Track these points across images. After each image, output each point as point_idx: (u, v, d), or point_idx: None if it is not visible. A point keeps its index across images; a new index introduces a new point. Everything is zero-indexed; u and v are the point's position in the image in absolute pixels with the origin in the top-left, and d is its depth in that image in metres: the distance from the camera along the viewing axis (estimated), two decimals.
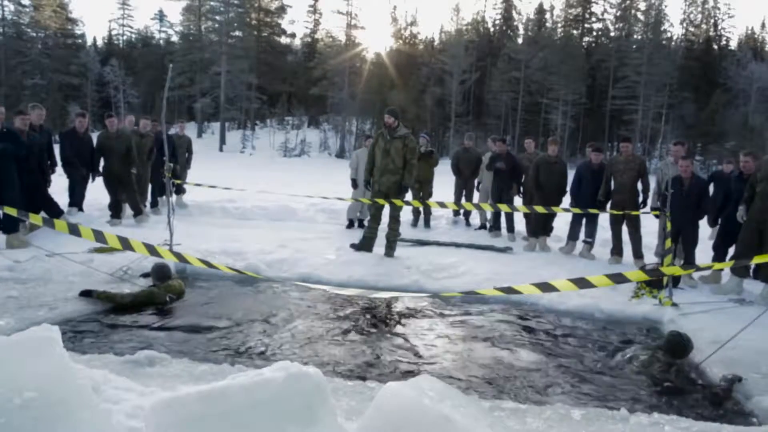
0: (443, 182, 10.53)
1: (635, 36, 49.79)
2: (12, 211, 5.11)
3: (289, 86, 54.22)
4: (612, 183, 7.73)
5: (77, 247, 6.09)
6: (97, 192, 8.81)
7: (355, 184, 9.33)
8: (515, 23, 57.10)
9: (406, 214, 10.20)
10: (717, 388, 3.77)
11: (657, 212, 7.17)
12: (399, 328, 4.91)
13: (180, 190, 10.19)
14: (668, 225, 5.88)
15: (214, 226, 8.83)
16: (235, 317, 4.90)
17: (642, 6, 50.17)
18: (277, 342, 4.37)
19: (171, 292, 5.21)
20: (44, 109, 8.06)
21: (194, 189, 9.55)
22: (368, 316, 5.29)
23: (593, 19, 54.25)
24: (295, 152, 44.32)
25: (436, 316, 5.31)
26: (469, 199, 10.19)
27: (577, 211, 7.49)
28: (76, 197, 8.45)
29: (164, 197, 8.80)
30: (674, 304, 5.46)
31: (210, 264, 4.60)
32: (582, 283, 3.75)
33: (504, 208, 7.98)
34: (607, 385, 3.90)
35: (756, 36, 58.16)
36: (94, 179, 8.56)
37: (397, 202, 7.06)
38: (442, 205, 7.77)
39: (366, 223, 8.25)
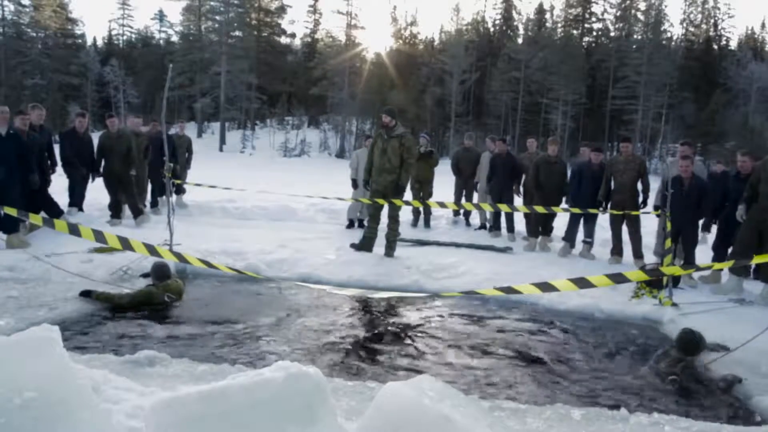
0: (443, 182, 10.53)
1: (635, 36, 49.81)
2: (12, 211, 5.11)
3: (289, 86, 54.23)
4: (612, 183, 7.73)
5: (77, 247, 6.09)
6: (97, 192, 8.81)
7: (355, 184, 9.33)
8: (515, 23, 57.16)
9: (406, 214, 10.21)
10: (717, 389, 3.77)
11: (657, 212, 7.16)
12: (399, 329, 4.91)
13: (180, 190, 10.19)
14: (668, 225, 5.88)
15: (214, 226, 8.83)
16: (235, 317, 4.90)
17: (642, 6, 50.24)
18: (277, 342, 4.37)
19: (169, 292, 5.20)
20: (44, 109, 8.07)
21: (194, 189, 9.55)
22: (368, 316, 5.29)
23: (593, 19, 54.29)
24: (295, 152, 44.33)
25: (436, 316, 5.31)
26: (469, 199, 10.19)
27: (577, 211, 7.49)
28: (76, 197, 8.44)
29: (164, 197, 8.80)
30: (674, 304, 5.46)
31: (210, 264, 4.61)
32: (582, 283, 3.75)
33: (504, 208, 7.98)
34: (607, 385, 3.90)
35: (756, 36, 58.21)
36: (94, 179, 8.56)
37: (397, 202, 7.06)
38: (442, 205, 7.77)
39: (366, 223, 8.25)
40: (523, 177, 8.99)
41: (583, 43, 52.80)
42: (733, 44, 55.28)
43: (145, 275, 5.70)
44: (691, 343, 4.20)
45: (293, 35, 61.60)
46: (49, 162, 7.64)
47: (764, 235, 5.96)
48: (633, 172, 7.54)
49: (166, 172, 6.78)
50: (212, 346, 4.21)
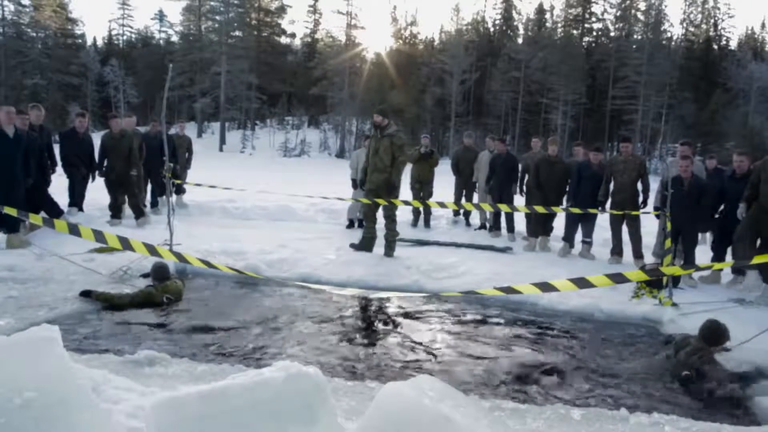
0: (443, 182, 10.53)
1: (635, 36, 49.83)
2: (12, 211, 5.11)
3: (289, 86, 54.24)
4: (612, 183, 7.73)
5: (77, 247, 6.09)
6: (97, 192, 8.81)
7: (355, 184, 9.33)
8: (515, 23, 57.19)
9: (406, 214, 10.22)
10: (723, 389, 3.77)
11: (657, 212, 7.16)
12: (399, 328, 4.91)
13: (180, 190, 10.19)
14: (668, 225, 5.88)
15: (214, 226, 8.83)
16: (235, 317, 4.90)
17: (642, 6, 50.27)
18: (277, 342, 4.37)
19: (168, 292, 5.21)
20: (43, 109, 8.05)
21: (194, 189, 9.55)
22: (368, 316, 5.29)
23: (593, 19, 54.31)
24: (295, 152, 44.35)
25: (436, 316, 5.31)
26: (469, 199, 10.19)
27: (578, 211, 7.50)
28: (76, 197, 8.44)
29: (164, 197, 8.79)
30: (674, 304, 5.46)
31: (210, 264, 4.61)
32: (582, 283, 3.75)
33: (504, 208, 7.98)
34: (608, 385, 3.90)
35: (756, 36, 58.21)
36: (94, 179, 8.55)
37: (396, 202, 7.05)
38: (442, 205, 7.77)
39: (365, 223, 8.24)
40: (527, 177, 8.96)
41: (583, 43, 52.83)
42: (733, 44, 55.39)
43: (145, 275, 5.70)
44: (715, 333, 4.15)
45: (293, 35, 61.71)
46: (49, 162, 7.64)
47: (763, 234, 5.97)
48: (633, 172, 7.54)
49: (166, 172, 6.78)
50: (212, 346, 4.21)
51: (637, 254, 7.54)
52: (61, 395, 1.78)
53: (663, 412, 3.24)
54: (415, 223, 9.93)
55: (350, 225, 9.57)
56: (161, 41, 63.07)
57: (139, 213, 8.46)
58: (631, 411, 3.18)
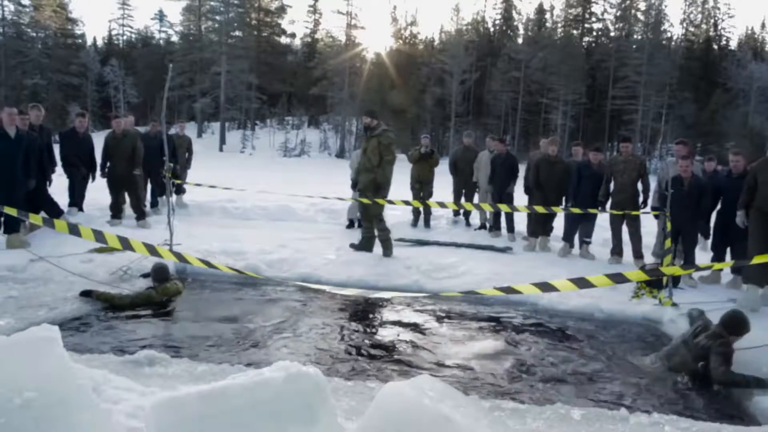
0: (443, 182, 10.53)
1: (635, 36, 49.83)
2: (12, 211, 5.11)
3: (289, 86, 54.24)
4: (612, 183, 7.72)
5: (77, 247, 6.09)
6: (97, 192, 8.80)
7: (354, 184, 9.32)
8: (515, 23, 57.18)
9: (406, 214, 10.22)
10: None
11: (657, 212, 7.16)
12: (399, 329, 4.91)
13: (180, 190, 10.18)
14: (668, 225, 5.87)
15: (214, 226, 8.83)
16: (235, 317, 4.90)
17: (642, 6, 50.26)
18: (277, 342, 4.37)
19: (168, 294, 5.22)
20: (43, 109, 8.04)
21: (194, 189, 9.54)
22: (368, 316, 5.29)
23: (593, 19, 54.30)
24: (295, 152, 44.35)
25: (436, 316, 5.31)
26: (468, 198, 10.18)
27: (578, 211, 7.49)
28: (76, 197, 8.43)
29: (164, 197, 8.79)
30: (674, 304, 5.46)
31: (210, 264, 4.60)
32: (582, 283, 3.75)
33: (504, 208, 7.97)
34: (607, 385, 3.90)
35: (756, 36, 58.19)
36: (94, 179, 8.55)
37: (397, 202, 7.05)
38: (442, 205, 7.76)
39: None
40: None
41: (583, 43, 52.82)
42: (733, 44, 55.36)
43: (145, 275, 5.70)
44: (738, 322, 4.10)
45: (293, 35, 61.72)
46: (49, 162, 7.63)
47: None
48: (633, 172, 7.54)
49: (166, 172, 6.78)
50: (212, 346, 4.21)
51: (637, 254, 7.54)
52: (61, 395, 1.78)
53: (663, 412, 3.25)
54: (415, 223, 9.93)
55: (350, 225, 9.57)
56: (161, 41, 63.11)
57: (140, 214, 8.46)
58: (631, 411, 3.18)
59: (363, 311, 5.43)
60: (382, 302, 5.62)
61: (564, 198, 8.30)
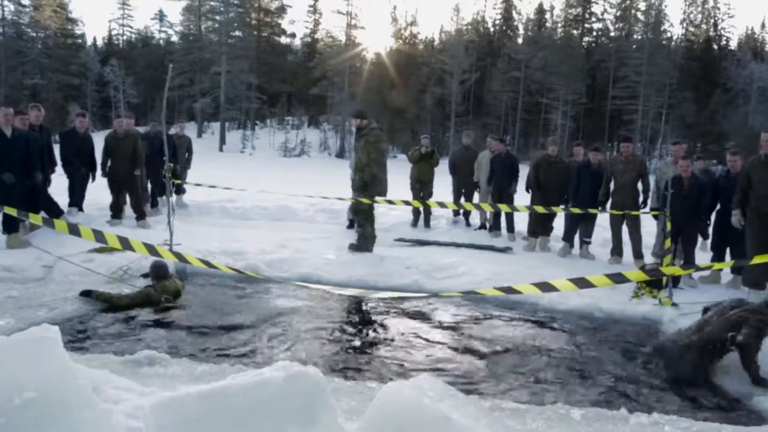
0: (443, 182, 10.53)
1: (635, 36, 49.78)
2: (12, 211, 5.11)
3: (289, 86, 54.22)
4: (612, 183, 7.72)
5: (77, 247, 6.09)
6: (97, 192, 8.80)
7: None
8: (515, 23, 57.13)
9: (406, 214, 10.22)
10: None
11: (656, 212, 7.16)
12: (399, 328, 4.91)
13: (180, 190, 10.18)
14: (668, 225, 5.87)
15: (214, 226, 8.83)
16: (235, 317, 4.90)
17: (642, 6, 50.21)
18: (277, 342, 4.37)
19: (166, 292, 5.22)
20: (42, 109, 8.03)
21: (194, 189, 9.55)
22: (368, 316, 5.29)
23: (593, 19, 54.26)
24: (295, 152, 44.31)
25: (436, 316, 5.31)
26: (468, 198, 10.18)
27: (578, 211, 7.50)
28: (76, 197, 8.43)
29: (164, 197, 8.79)
30: (674, 304, 5.46)
31: (210, 264, 4.60)
32: (582, 283, 3.75)
33: (504, 208, 7.97)
34: (608, 385, 3.90)
35: (756, 36, 58.18)
36: (94, 179, 8.55)
37: (397, 202, 7.04)
38: (442, 205, 7.76)
39: None
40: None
41: (583, 43, 52.77)
42: (733, 44, 55.32)
43: (145, 275, 5.71)
44: None
45: (293, 35, 61.64)
46: (49, 162, 7.63)
47: (764, 237, 5.82)
48: (633, 172, 7.54)
49: (166, 172, 6.78)
50: (212, 346, 4.21)
51: (637, 254, 7.54)
52: (61, 395, 1.78)
53: (663, 412, 3.25)
54: (415, 223, 9.93)
55: (350, 225, 9.56)
56: (161, 41, 63.08)
57: (140, 214, 8.45)
58: (631, 411, 3.18)
59: (363, 311, 5.44)
60: (382, 302, 5.62)
61: (564, 198, 8.30)
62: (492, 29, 57.21)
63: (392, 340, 4.61)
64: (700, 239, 7.40)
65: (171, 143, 9.04)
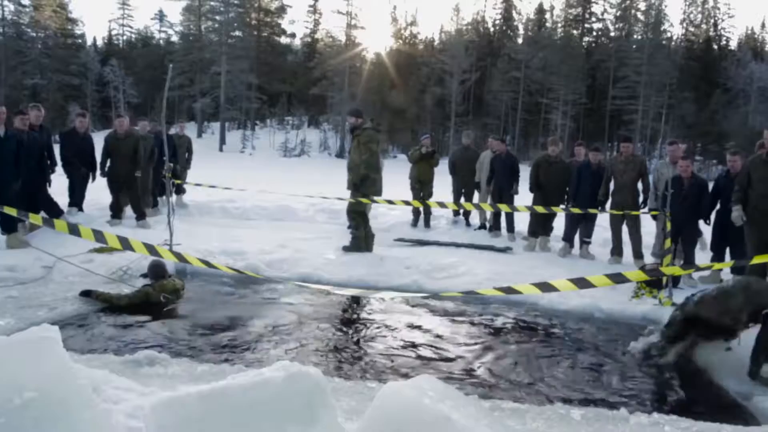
0: (443, 182, 10.53)
1: (635, 36, 49.76)
2: (12, 211, 5.10)
3: (289, 86, 54.19)
4: (612, 183, 7.72)
5: (77, 247, 6.09)
6: (97, 192, 8.80)
7: None
8: (515, 23, 57.09)
9: (406, 214, 10.22)
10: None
11: (655, 212, 7.16)
12: (399, 329, 4.91)
13: (180, 190, 10.18)
14: (668, 225, 5.87)
15: (214, 226, 8.83)
16: (235, 317, 4.90)
17: (642, 6, 50.19)
18: (276, 342, 4.37)
19: (165, 291, 5.22)
20: (42, 109, 8.03)
21: (194, 189, 9.55)
22: (368, 316, 5.29)
23: (593, 19, 54.24)
24: (295, 152, 44.30)
25: (436, 317, 5.31)
26: (468, 198, 10.18)
27: (578, 211, 7.50)
28: (76, 197, 8.43)
29: (164, 197, 8.79)
30: (674, 304, 5.44)
31: (210, 264, 4.60)
32: (582, 283, 3.75)
33: (504, 208, 7.97)
34: (608, 385, 3.90)
35: (756, 36, 58.15)
36: (94, 179, 8.55)
37: (397, 202, 7.04)
38: (442, 205, 7.77)
39: None
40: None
41: (583, 43, 52.76)
42: (733, 44, 55.28)
43: (144, 275, 5.70)
44: None
45: (293, 35, 61.58)
46: (49, 162, 7.63)
47: (764, 236, 5.81)
48: (633, 172, 7.54)
49: (166, 172, 6.78)
50: (212, 346, 4.21)
51: (637, 254, 7.54)
52: (61, 395, 1.78)
53: (663, 412, 3.25)
54: (415, 223, 9.93)
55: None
56: (161, 41, 63.02)
57: (140, 214, 8.45)
58: (631, 411, 3.18)
59: (363, 311, 5.44)
60: (382, 302, 5.62)
61: (564, 198, 8.30)
62: (492, 29, 57.20)
63: (392, 340, 4.61)
64: (700, 244, 7.39)
65: (171, 143, 9.04)
